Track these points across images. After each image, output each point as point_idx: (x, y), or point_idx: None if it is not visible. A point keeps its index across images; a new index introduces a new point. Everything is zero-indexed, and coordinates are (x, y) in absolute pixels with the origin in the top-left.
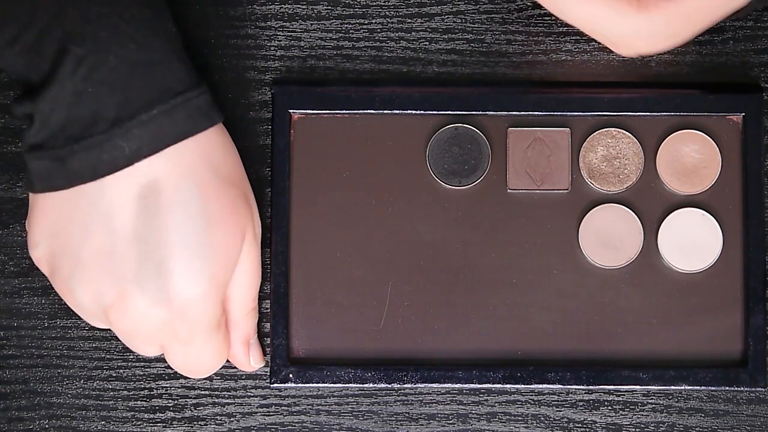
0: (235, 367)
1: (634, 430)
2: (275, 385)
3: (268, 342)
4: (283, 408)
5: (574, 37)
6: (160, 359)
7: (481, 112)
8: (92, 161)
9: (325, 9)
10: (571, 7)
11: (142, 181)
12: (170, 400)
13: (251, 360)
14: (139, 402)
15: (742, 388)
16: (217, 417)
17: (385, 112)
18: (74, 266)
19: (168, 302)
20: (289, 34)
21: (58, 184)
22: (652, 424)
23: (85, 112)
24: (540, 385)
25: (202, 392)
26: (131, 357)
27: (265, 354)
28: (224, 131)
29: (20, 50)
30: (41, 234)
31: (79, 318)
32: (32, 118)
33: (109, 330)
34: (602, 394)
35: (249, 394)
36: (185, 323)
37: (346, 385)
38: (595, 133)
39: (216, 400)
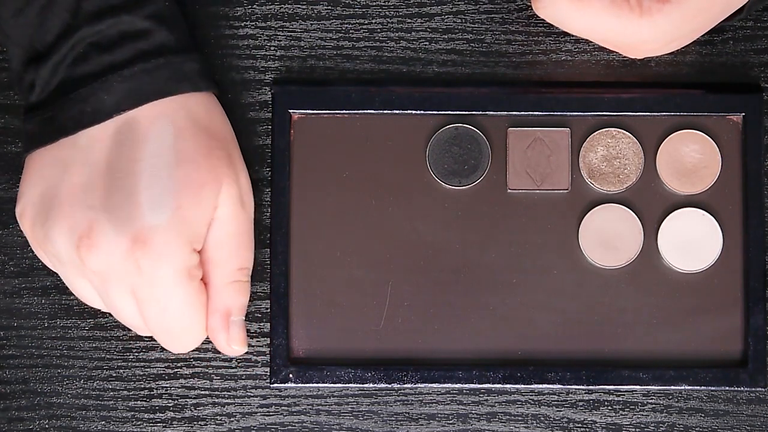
0: (235, 367)
1: (634, 430)
2: (275, 385)
3: (268, 342)
4: (283, 408)
5: (574, 37)
6: (161, 359)
7: (481, 112)
8: (76, 113)
9: (325, 9)
10: (575, 19)
11: (120, 118)
12: (170, 400)
13: (230, 339)
14: (139, 402)
15: (742, 388)
16: (217, 417)
17: (385, 112)
18: (52, 204)
19: (132, 229)
20: (289, 34)
21: (48, 138)
22: (652, 424)
23: (78, 72)
24: (540, 385)
25: (202, 392)
26: (131, 357)
27: (264, 354)
28: (216, 102)
29: (25, 22)
30: (26, 187)
31: (79, 318)
32: (33, 84)
33: (109, 330)
34: (602, 394)
35: (249, 394)
36: (147, 254)
37: (346, 385)
38: (595, 133)
39: (216, 400)
